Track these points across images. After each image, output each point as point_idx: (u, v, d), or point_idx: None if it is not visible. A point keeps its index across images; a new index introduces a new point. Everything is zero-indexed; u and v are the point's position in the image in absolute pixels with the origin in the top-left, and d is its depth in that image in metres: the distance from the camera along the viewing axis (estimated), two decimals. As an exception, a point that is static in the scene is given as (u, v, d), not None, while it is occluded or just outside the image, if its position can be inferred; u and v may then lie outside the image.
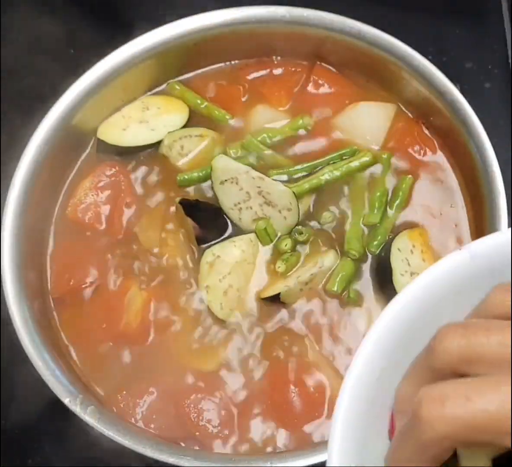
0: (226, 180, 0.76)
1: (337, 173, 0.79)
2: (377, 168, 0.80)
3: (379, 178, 0.80)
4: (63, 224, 0.81)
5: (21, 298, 0.73)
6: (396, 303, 0.48)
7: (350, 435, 0.45)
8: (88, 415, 0.69)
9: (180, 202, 0.78)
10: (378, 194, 0.78)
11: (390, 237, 0.77)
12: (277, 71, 0.85)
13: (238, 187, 0.76)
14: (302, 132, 0.82)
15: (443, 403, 0.37)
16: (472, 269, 0.49)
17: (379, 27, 0.79)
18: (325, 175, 0.79)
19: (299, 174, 0.80)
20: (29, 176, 0.77)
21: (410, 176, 0.79)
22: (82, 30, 0.97)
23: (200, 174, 0.79)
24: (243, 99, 0.84)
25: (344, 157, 0.80)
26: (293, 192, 0.76)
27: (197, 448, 0.72)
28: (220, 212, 0.78)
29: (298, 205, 0.77)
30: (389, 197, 0.79)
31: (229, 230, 0.78)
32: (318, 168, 0.80)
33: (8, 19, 0.98)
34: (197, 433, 0.72)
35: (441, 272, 0.49)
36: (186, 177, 0.80)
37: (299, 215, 0.77)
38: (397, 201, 0.79)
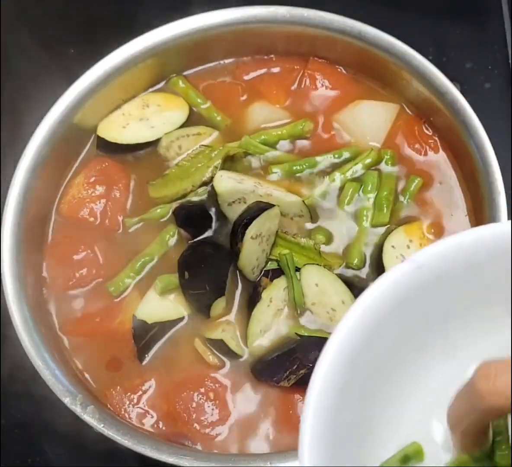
0: (233, 202, 0.75)
1: (347, 176, 0.78)
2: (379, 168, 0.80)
3: (384, 178, 0.79)
4: (60, 221, 0.81)
5: (21, 298, 0.73)
6: (348, 318, 0.49)
7: (319, 441, 0.46)
8: (88, 415, 0.69)
9: (174, 212, 0.77)
10: (385, 193, 0.78)
11: (386, 233, 0.77)
12: (276, 69, 0.84)
13: (246, 204, 0.75)
14: (301, 142, 0.82)
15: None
16: (419, 278, 0.49)
17: (379, 27, 0.79)
18: (336, 181, 0.79)
19: (299, 172, 0.80)
20: (29, 174, 0.77)
21: (419, 178, 0.79)
22: (82, 30, 0.97)
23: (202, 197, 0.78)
24: (242, 97, 0.84)
25: (344, 156, 0.80)
26: (303, 201, 0.76)
27: (188, 443, 0.72)
28: (219, 213, 0.77)
29: (309, 210, 0.77)
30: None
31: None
32: (318, 164, 0.80)
33: (9, 19, 0.98)
34: (189, 434, 0.72)
35: (387, 284, 0.49)
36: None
37: (311, 217, 0.77)
38: (405, 202, 0.79)
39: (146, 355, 0.75)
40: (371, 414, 0.51)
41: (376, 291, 0.49)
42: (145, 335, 0.74)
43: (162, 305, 0.75)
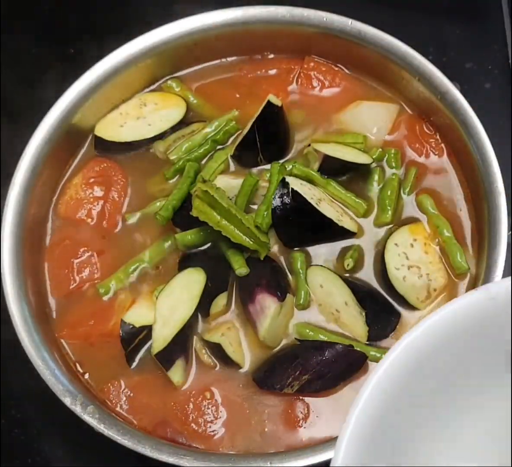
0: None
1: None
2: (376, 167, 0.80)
3: (389, 177, 0.80)
4: (58, 222, 0.81)
5: (21, 298, 0.73)
6: (404, 342, 0.48)
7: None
8: (88, 415, 0.69)
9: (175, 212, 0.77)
10: (389, 192, 0.78)
11: (392, 229, 0.77)
12: (275, 69, 0.84)
13: None
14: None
15: None
16: (490, 310, 0.48)
17: (379, 27, 0.79)
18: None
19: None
20: (29, 174, 0.77)
21: (415, 168, 0.79)
22: (82, 30, 0.97)
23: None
24: (238, 95, 0.84)
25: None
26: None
27: (182, 440, 0.72)
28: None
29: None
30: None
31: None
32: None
33: (9, 19, 0.98)
34: (185, 432, 0.72)
35: (456, 312, 0.48)
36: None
37: None
38: (406, 195, 0.79)
39: (135, 359, 0.75)
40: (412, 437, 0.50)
41: (443, 313, 0.48)
42: (133, 340, 0.74)
43: (153, 308, 0.75)
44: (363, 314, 0.73)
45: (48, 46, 0.97)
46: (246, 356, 0.74)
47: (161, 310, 0.73)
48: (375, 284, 0.76)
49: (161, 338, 0.72)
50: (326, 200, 0.77)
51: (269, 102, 0.78)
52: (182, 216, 0.76)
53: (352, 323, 0.73)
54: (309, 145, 0.79)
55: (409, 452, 0.51)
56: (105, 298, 0.77)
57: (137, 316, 0.75)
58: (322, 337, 0.74)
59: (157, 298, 0.74)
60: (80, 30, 0.98)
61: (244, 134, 0.79)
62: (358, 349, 0.72)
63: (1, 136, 0.92)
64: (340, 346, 0.71)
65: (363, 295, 0.74)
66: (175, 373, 0.73)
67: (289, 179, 0.75)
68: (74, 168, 0.83)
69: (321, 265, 0.76)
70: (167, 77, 0.85)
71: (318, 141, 0.80)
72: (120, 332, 0.74)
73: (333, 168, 0.78)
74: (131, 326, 0.74)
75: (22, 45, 0.97)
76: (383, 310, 0.75)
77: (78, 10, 0.99)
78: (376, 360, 0.73)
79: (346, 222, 0.76)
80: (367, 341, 0.73)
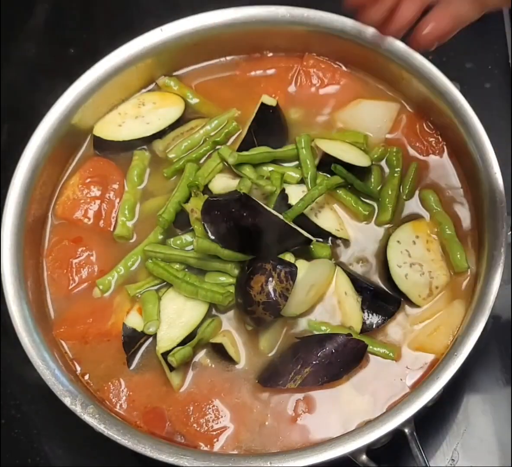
0: None
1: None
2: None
3: (389, 176, 0.80)
4: (56, 222, 0.81)
5: (21, 298, 0.73)
6: None
7: None
8: (88, 415, 0.69)
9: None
10: (389, 191, 0.78)
11: (391, 229, 0.78)
12: (274, 67, 0.85)
13: None
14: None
15: None
16: None
17: (379, 27, 0.79)
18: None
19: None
20: (28, 174, 0.77)
21: (416, 162, 0.79)
22: (82, 30, 0.98)
23: None
24: (237, 93, 0.84)
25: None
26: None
27: (180, 438, 0.72)
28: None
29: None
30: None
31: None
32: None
33: (9, 20, 0.98)
34: (184, 430, 0.72)
35: None
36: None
37: None
38: (407, 186, 0.79)
39: (135, 359, 0.75)
40: None
41: None
42: (134, 344, 0.74)
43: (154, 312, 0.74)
44: (360, 300, 0.73)
45: (48, 46, 0.98)
46: (244, 357, 0.75)
47: (167, 311, 0.74)
48: (377, 281, 0.76)
49: (167, 339, 0.72)
50: (328, 205, 0.77)
51: (263, 104, 0.78)
52: (182, 217, 0.77)
53: (351, 312, 0.74)
54: (312, 140, 0.79)
55: None
56: (106, 294, 0.77)
57: (139, 319, 0.75)
58: (323, 329, 0.74)
59: (160, 299, 0.74)
60: (80, 30, 0.98)
61: (243, 137, 0.79)
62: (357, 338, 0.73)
63: (1, 136, 0.92)
64: (340, 336, 0.71)
65: (361, 284, 0.75)
66: (176, 374, 0.73)
67: (289, 189, 0.75)
68: (72, 169, 0.83)
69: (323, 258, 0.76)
70: (164, 77, 0.85)
71: (319, 137, 0.80)
72: (122, 336, 0.74)
73: (331, 166, 0.78)
74: (132, 330, 0.74)
75: (22, 45, 0.98)
76: (380, 299, 0.75)
77: (78, 10, 0.99)
78: (374, 352, 0.73)
79: (343, 230, 0.77)
80: (364, 329, 0.74)
